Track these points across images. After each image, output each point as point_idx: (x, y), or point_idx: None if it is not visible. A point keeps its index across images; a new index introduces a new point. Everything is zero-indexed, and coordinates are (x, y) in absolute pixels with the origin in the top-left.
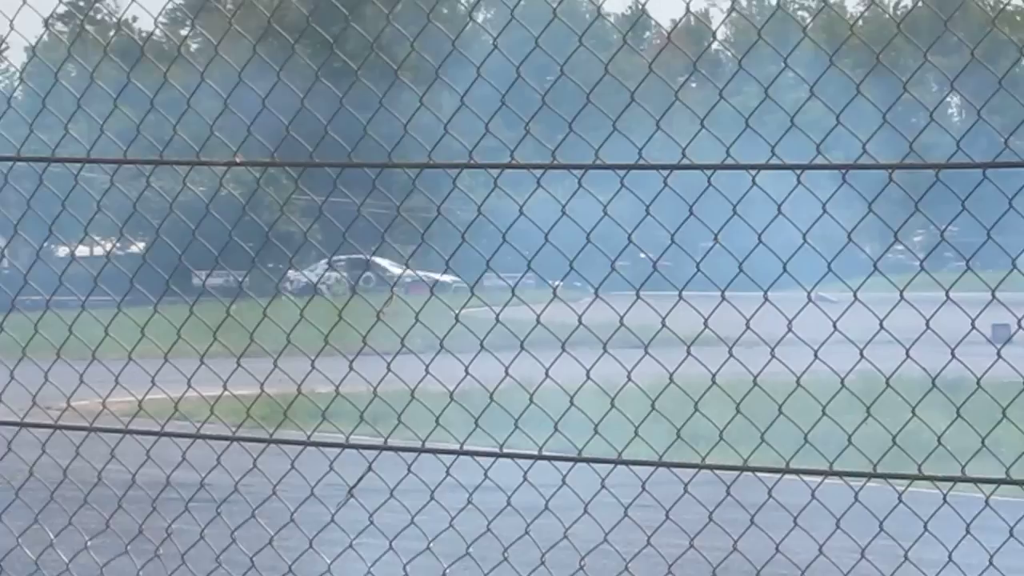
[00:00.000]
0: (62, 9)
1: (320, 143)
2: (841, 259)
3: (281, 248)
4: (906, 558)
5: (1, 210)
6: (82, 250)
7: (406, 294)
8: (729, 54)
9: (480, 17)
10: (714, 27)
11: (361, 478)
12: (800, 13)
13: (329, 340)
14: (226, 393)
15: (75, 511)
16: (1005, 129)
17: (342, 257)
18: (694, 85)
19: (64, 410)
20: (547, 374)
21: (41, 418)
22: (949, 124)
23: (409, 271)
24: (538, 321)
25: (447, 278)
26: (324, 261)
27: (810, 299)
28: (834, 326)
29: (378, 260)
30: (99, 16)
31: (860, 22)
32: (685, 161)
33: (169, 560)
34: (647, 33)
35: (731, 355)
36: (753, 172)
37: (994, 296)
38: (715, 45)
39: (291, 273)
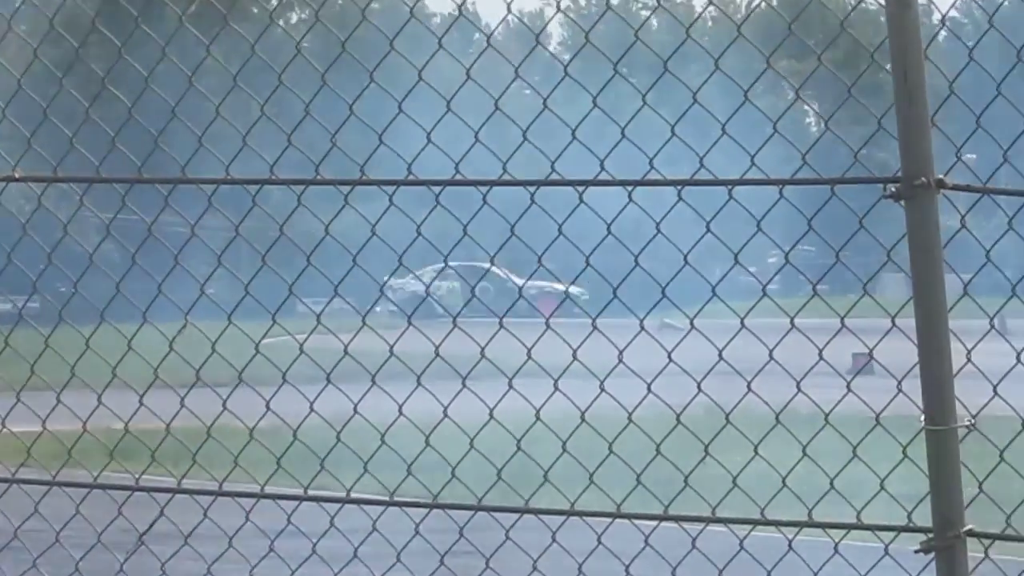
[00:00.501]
0: None
1: (107, 156)
2: (692, 283)
3: (63, 270)
4: None
5: None
6: None
7: (532, 308)
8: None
9: (294, 18)
10: (548, 30)
11: (153, 523)
12: (643, 13)
13: (117, 372)
14: (6, 431)
15: None
16: (866, 140)
17: (456, 264)
18: (527, 92)
19: None
20: (355, 410)
21: None
22: (806, 134)
23: (533, 282)
24: (345, 351)
25: (576, 289)
26: (432, 268)
27: (642, 327)
28: (669, 357)
29: (497, 269)
30: None
31: (710, 23)
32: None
33: None
34: (476, 35)
35: (556, 388)
36: (580, 188)
37: (843, 324)
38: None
39: (394, 281)
